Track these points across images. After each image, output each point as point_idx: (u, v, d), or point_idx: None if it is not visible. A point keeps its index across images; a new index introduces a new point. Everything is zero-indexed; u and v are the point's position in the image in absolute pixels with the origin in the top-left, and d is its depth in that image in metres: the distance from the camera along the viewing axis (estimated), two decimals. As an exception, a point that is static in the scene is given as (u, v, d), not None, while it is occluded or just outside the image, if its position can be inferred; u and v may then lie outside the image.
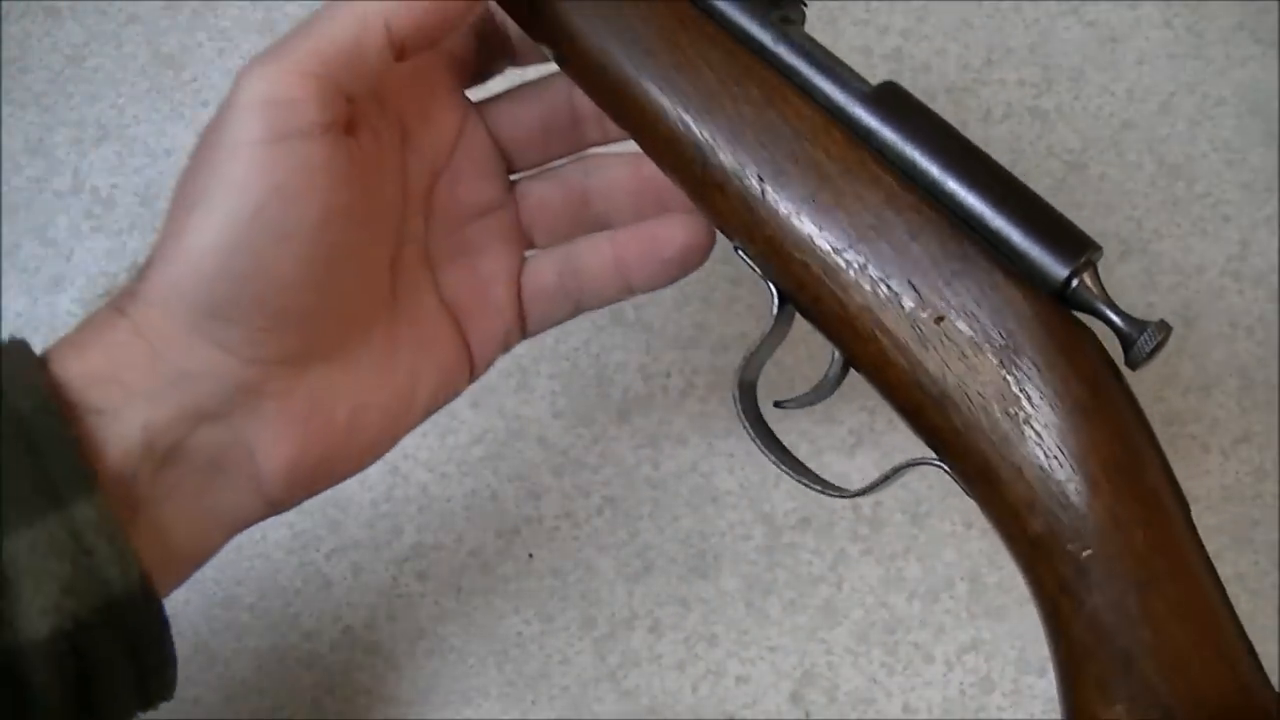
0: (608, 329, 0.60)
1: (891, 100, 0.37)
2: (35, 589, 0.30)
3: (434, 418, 0.59)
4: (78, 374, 0.33)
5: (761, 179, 0.37)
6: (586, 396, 0.58)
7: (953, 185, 0.35)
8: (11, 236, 0.63)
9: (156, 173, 0.64)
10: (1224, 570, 0.54)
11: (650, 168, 0.42)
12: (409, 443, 0.58)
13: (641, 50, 0.38)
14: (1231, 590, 0.54)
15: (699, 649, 0.54)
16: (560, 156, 0.45)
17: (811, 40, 0.39)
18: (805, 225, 0.36)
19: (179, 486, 0.35)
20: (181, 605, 0.55)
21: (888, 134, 0.36)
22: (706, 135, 0.37)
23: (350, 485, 0.58)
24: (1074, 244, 0.35)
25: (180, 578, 0.37)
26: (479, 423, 0.58)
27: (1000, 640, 0.53)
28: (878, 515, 0.56)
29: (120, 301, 0.35)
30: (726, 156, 0.37)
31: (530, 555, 0.56)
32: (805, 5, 0.40)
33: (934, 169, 0.35)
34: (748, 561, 0.55)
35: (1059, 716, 0.46)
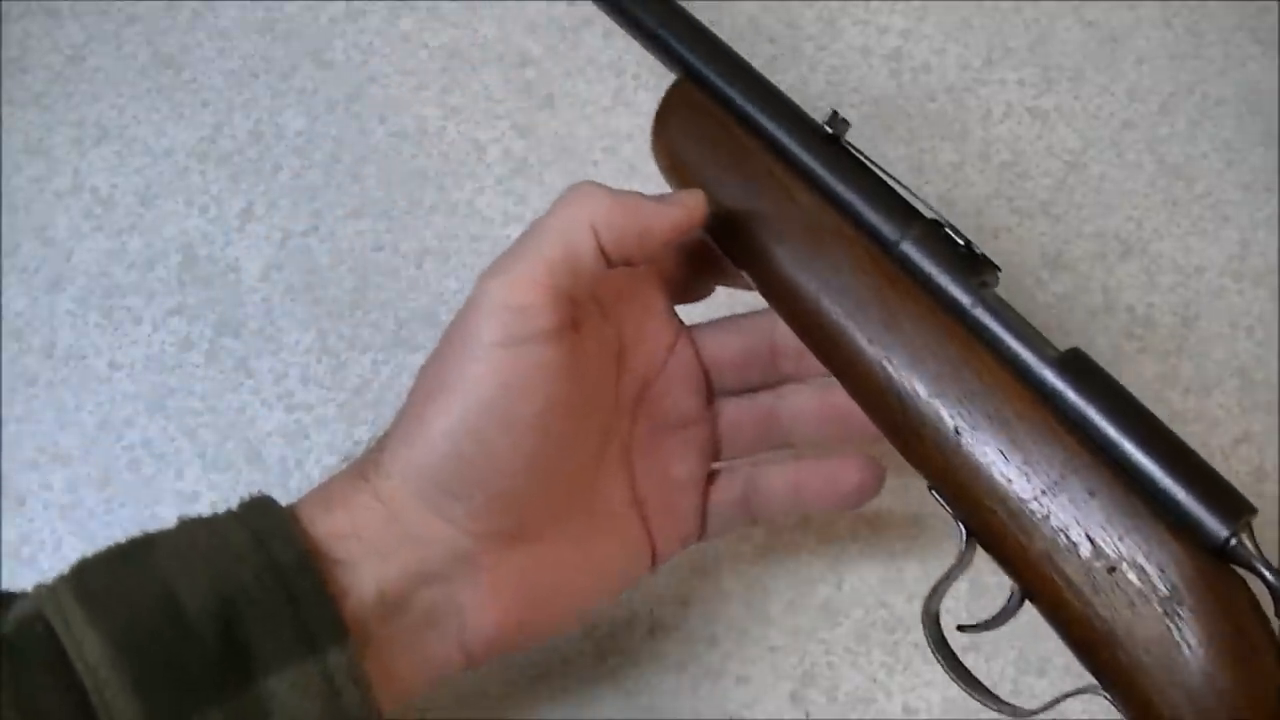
0: (608, 329, 0.60)
1: (1077, 366, 0.39)
2: None
3: (434, 418, 0.59)
4: (325, 531, 0.38)
5: (958, 431, 0.40)
6: (586, 396, 0.58)
7: (1128, 447, 0.38)
8: (11, 236, 0.63)
9: (156, 173, 0.64)
10: (1224, 570, 0.54)
11: (837, 397, 0.45)
12: (409, 443, 0.58)
13: (852, 302, 0.41)
14: (1231, 590, 0.54)
15: (699, 649, 0.54)
16: (757, 384, 0.49)
17: (1005, 304, 0.42)
18: (996, 476, 0.39)
19: (399, 636, 0.39)
20: (181, 605, 0.55)
21: (1072, 397, 0.39)
22: (908, 385, 0.40)
23: (350, 485, 0.58)
24: (1234, 505, 0.37)
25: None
26: (479, 423, 0.58)
27: (1000, 640, 0.52)
28: (878, 515, 0.56)
29: (364, 469, 0.40)
30: (926, 407, 0.40)
31: (530, 555, 0.56)
32: (999, 271, 0.43)
33: (1112, 431, 0.38)
34: (748, 561, 0.55)
35: (1059, 717, 0.46)
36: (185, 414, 0.59)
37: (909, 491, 0.56)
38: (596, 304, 0.43)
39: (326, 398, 0.59)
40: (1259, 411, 0.57)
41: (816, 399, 0.47)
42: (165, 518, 0.56)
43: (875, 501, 0.52)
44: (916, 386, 0.40)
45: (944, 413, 0.40)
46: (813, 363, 0.45)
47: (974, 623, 0.44)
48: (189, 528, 0.38)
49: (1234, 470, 0.56)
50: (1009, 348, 0.40)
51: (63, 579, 0.36)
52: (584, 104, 0.65)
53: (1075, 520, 0.37)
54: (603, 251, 0.40)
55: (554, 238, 0.39)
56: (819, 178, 0.43)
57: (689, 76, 0.46)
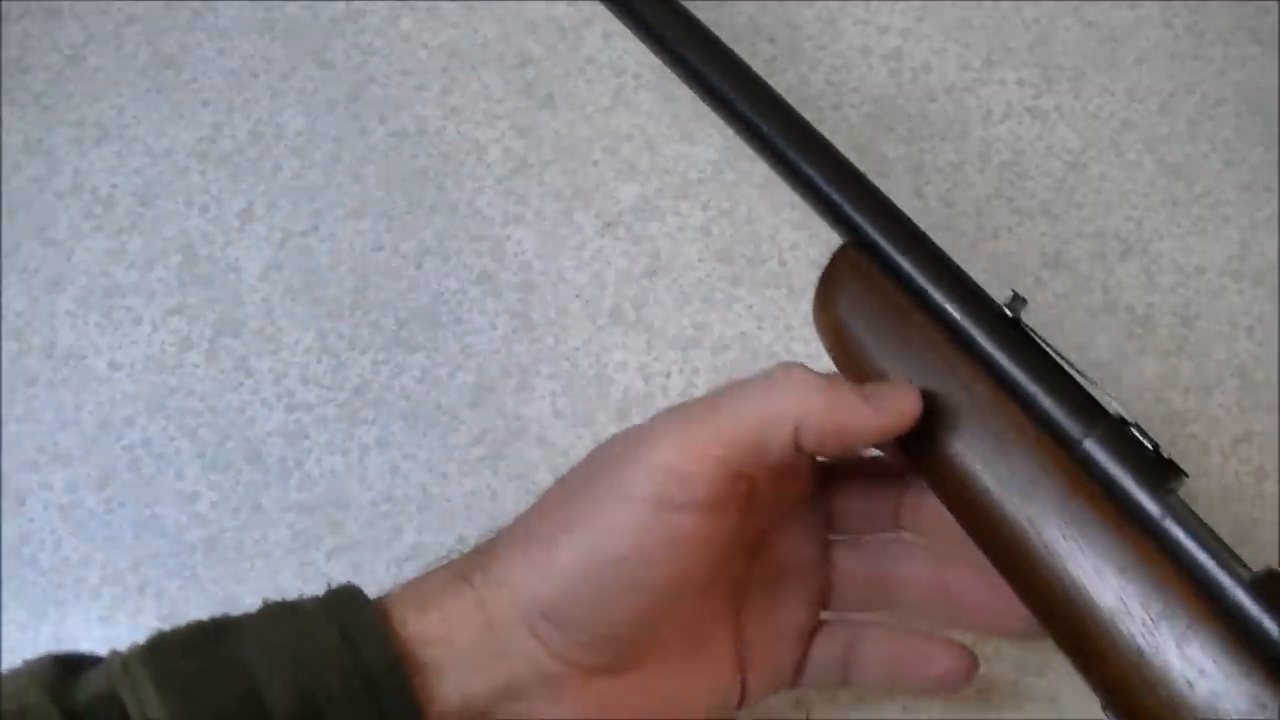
0: (607, 329, 0.60)
1: (1271, 587, 0.36)
2: None
3: (434, 417, 0.59)
4: (416, 632, 0.37)
5: (1140, 652, 0.36)
6: (586, 396, 0.58)
7: None
8: (11, 236, 0.63)
9: (156, 173, 0.64)
10: (1224, 570, 0.54)
11: (949, 573, 0.43)
12: (409, 442, 0.58)
13: (1033, 507, 0.38)
14: (1231, 590, 0.54)
15: (699, 649, 0.54)
16: (874, 532, 0.46)
17: (1194, 514, 0.38)
18: (1179, 700, 0.36)
19: None
20: (182, 604, 0.55)
21: (1267, 623, 0.36)
22: (1091, 598, 0.37)
23: (350, 485, 0.58)
24: None
25: None
26: (479, 423, 0.58)
27: (1000, 640, 0.52)
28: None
29: (469, 572, 0.39)
30: (1110, 623, 0.37)
31: (530, 555, 0.56)
32: (1186, 476, 0.39)
33: None
34: (748, 561, 0.55)
35: (1059, 716, 0.46)
36: (185, 414, 0.59)
37: (909, 491, 0.56)
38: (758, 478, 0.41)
39: (326, 398, 0.59)
40: (1259, 411, 0.57)
41: (930, 570, 0.45)
42: (165, 518, 0.57)
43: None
44: (1100, 601, 0.37)
45: (1131, 631, 0.36)
46: (929, 516, 0.43)
47: None
48: (275, 617, 0.37)
49: (1234, 470, 0.56)
50: (1200, 564, 0.36)
51: (139, 656, 0.35)
52: (584, 104, 0.65)
53: None
54: (797, 445, 0.37)
55: (750, 421, 0.37)
56: (998, 366, 0.39)
57: (858, 242, 0.42)
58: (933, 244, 0.42)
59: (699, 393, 0.58)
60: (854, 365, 0.42)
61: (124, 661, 0.35)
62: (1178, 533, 0.37)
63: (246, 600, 0.55)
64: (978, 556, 0.40)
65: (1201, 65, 0.65)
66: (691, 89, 0.47)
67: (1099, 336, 0.59)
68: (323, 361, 0.60)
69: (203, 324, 0.61)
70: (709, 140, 0.64)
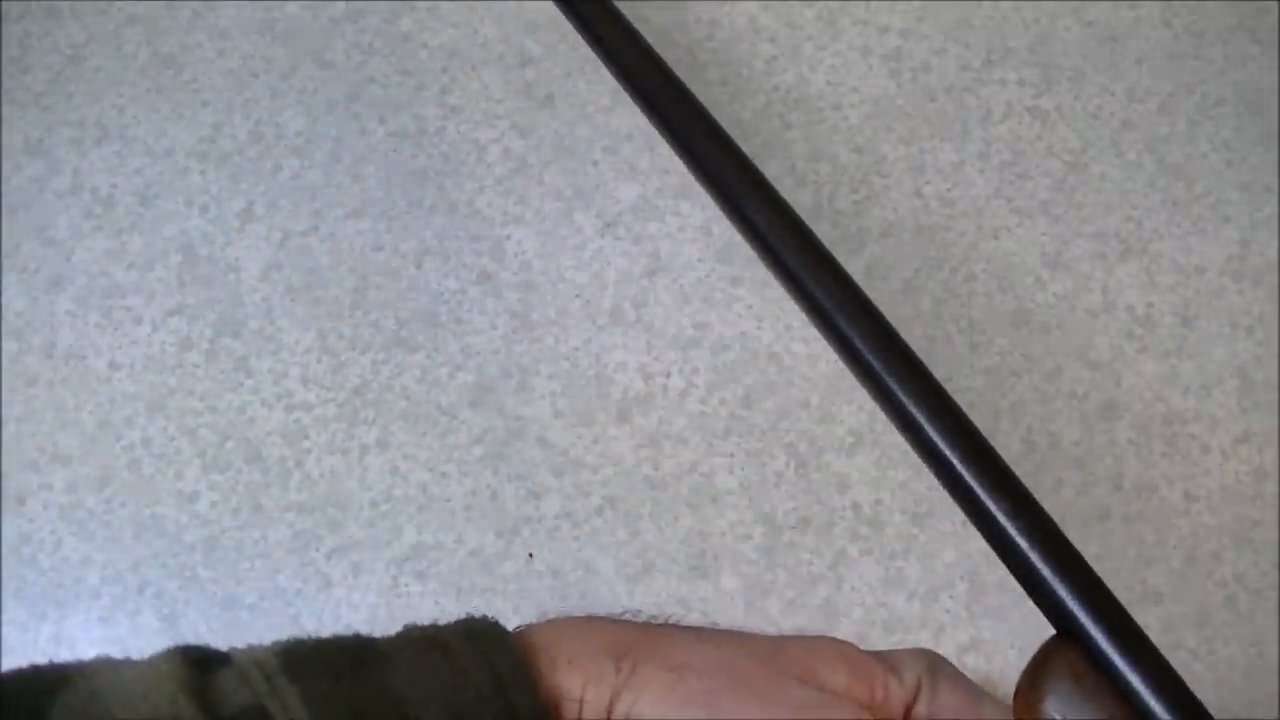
0: (607, 329, 0.60)
1: None
2: None
3: (434, 417, 0.59)
4: (560, 686, 0.37)
5: None
6: (586, 396, 0.58)
7: None
8: (11, 236, 0.63)
9: (156, 173, 0.64)
10: (1224, 570, 0.54)
11: None
12: (409, 442, 0.58)
13: None
14: (1231, 590, 0.54)
15: (699, 649, 0.54)
16: None
17: None
18: None
19: None
20: (182, 605, 0.55)
21: None
22: None
23: (350, 485, 0.58)
24: None
25: None
26: (479, 423, 0.58)
27: (1000, 640, 0.52)
28: (878, 515, 0.56)
29: (620, 657, 0.39)
30: None
31: (530, 555, 0.56)
32: None
33: None
34: (748, 561, 0.55)
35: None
36: (185, 414, 0.59)
37: (909, 491, 0.56)
38: None
39: (326, 398, 0.59)
40: (1259, 411, 0.57)
41: None
42: (165, 518, 0.57)
43: (876, 498, 0.52)
44: None
45: None
46: None
47: None
48: (423, 648, 0.37)
49: (1234, 470, 0.56)
50: None
51: (281, 668, 0.35)
52: (584, 104, 0.65)
53: None
54: None
55: None
56: None
57: (1073, 636, 0.38)
58: (1151, 645, 0.37)
59: (699, 393, 0.59)
60: None
61: (263, 671, 0.35)
62: None
63: (247, 600, 0.56)
64: None
65: (1201, 65, 0.65)
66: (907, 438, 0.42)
67: (1099, 336, 0.59)
68: (323, 361, 0.60)
69: (203, 324, 0.61)
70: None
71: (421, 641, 0.37)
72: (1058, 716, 0.37)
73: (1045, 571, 0.39)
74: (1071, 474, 0.55)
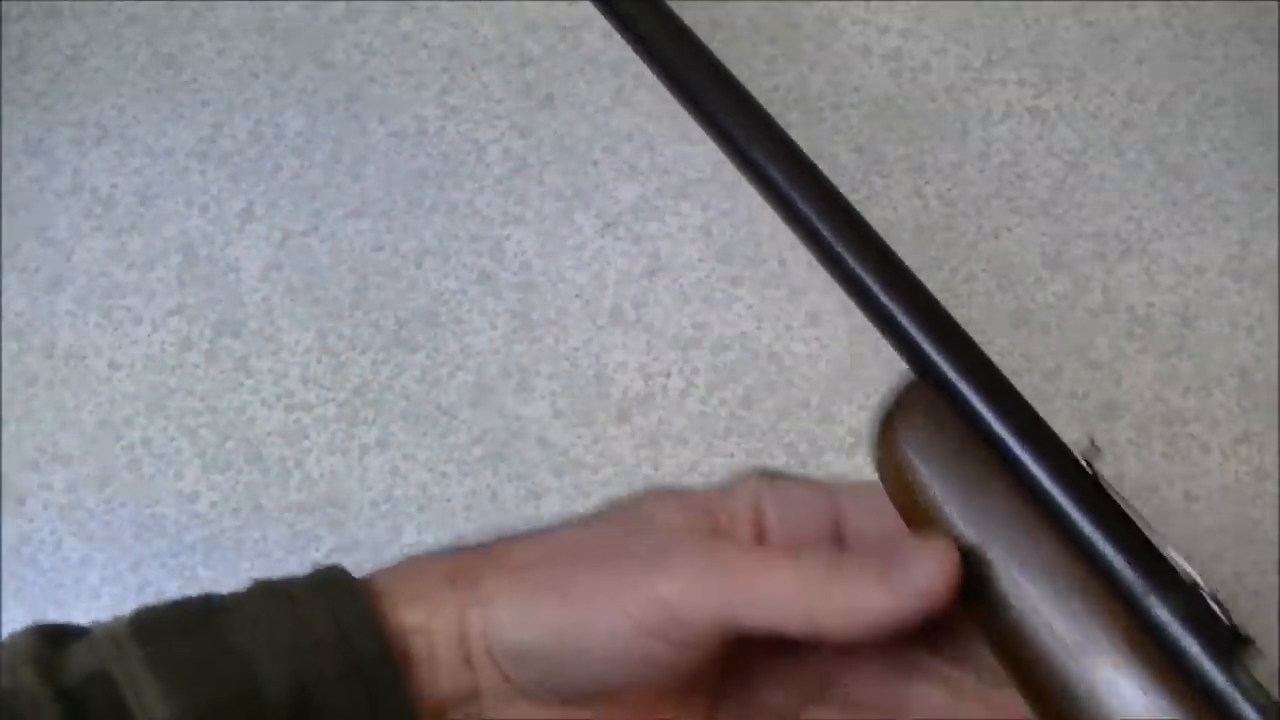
0: (607, 329, 0.60)
1: None
2: None
3: (434, 417, 0.59)
4: (405, 623, 0.36)
5: None
6: (586, 396, 0.58)
7: None
8: (11, 236, 0.63)
9: (156, 173, 0.64)
10: (1224, 570, 0.54)
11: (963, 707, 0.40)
12: (409, 442, 0.58)
13: (1099, 676, 0.36)
14: (1231, 590, 0.54)
15: (699, 649, 0.54)
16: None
17: (1261, 688, 0.35)
18: None
19: None
20: (181, 605, 0.55)
21: None
22: None
23: (350, 485, 0.58)
24: None
25: None
26: (479, 423, 0.58)
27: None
28: (878, 515, 0.56)
29: (456, 579, 0.38)
30: None
31: (530, 555, 0.56)
32: (1256, 646, 0.36)
33: None
34: (748, 561, 0.55)
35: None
36: (185, 414, 0.59)
37: (909, 491, 0.56)
38: None
39: (326, 398, 0.59)
40: (1259, 411, 0.57)
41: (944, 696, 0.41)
42: (165, 518, 0.57)
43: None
44: None
45: None
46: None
47: None
48: (265, 600, 0.36)
49: (1234, 470, 0.56)
50: None
51: (128, 634, 0.34)
52: (584, 104, 0.65)
53: None
54: (811, 632, 0.35)
55: (770, 595, 0.35)
56: (1071, 521, 0.37)
57: (929, 377, 0.39)
58: (1010, 385, 0.39)
59: (699, 393, 0.59)
60: (916, 511, 0.39)
61: (113, 638, 0.34)
62: (1248, 712, 0.34)
63: (246, 600, 0.56)
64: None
65: (1201, 65, 0.65)
66: (760, 193, 0.45)
67: (1099, 336, 0.59)
68: (323, 361, 0.60)
69: (203, 324, 0.61)
70: (709, 140, 0.64)
71: (267, 594, 0.36)
72: (911, 451, 0.38)
73: (896, 311, 0.40)
74: (1071, 474, 0.55)
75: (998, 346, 0.59)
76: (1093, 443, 0.37)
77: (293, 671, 0.34)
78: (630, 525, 0.38)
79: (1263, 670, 0.34)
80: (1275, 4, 0.66)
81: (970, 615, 0.38)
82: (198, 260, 0.62)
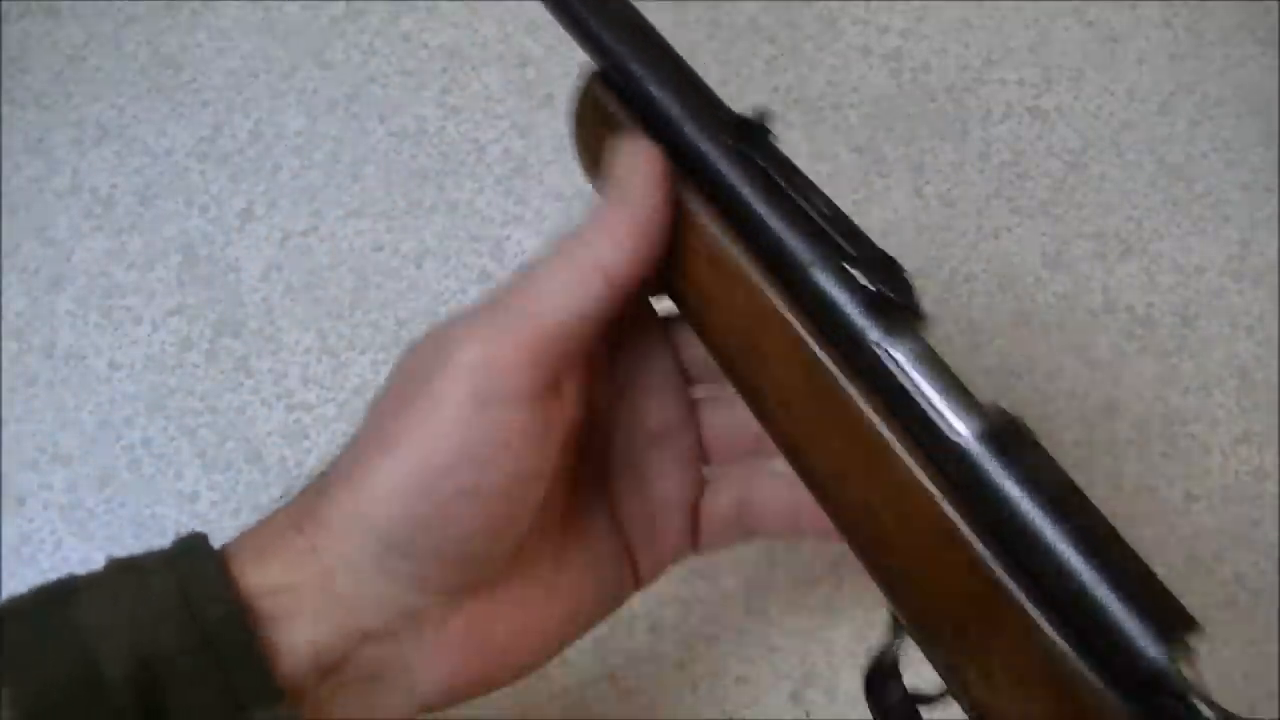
0: (608, 329, 0.60)
1: (1003, 439, 0.32)
2: None
3: (434, 418, 0.59)
4: (256, 583, 0.34)
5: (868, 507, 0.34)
6: (586, 396, 0.58)
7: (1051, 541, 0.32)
8: (11, 236, 0.63)
9: (156, 173, 0.64)
10: (1224, 570, 0.54)
11: None
12: (409, 443, 0.58)
13: (767, 347, 0.36)
14: (1231, 590, 0.54)
15: (699, 649, 0.54)
16: None
17: (923, 347, 0.34)
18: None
19: (341, 694, 0.35)
20: (181, 605, 0.55)
21: (994, 475, 0.32)
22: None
23: (350, 485, 0.58)
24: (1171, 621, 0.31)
25: None
26: (479, 423, 0.58)
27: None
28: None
29: (299, 518, 0.36)
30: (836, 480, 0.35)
31: (530, 555, 0.56)
32: (918, 314, 0.35)
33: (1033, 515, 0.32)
34: (748, 561, 0.55)
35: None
36: (185, 414, 0.59)
37: (909, 491, 0.56)
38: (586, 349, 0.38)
39: (326, 398, 0.59)
40: (1259, 411, 0.57)
41: None
42: (165, 518, 0.56)
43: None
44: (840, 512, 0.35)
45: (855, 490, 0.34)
46: None
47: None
48: (115, 575, 0.34)
49: (1234, 470, 0.56)
50: (922, 408, 0.33)
51: None
52: (584, 104, 0.65)
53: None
54: (613, 294, 0.35)
55: (557, 294, 0.35)
56: (725, 184, 0.36)
57: (606, 63, 0.40)
58: (685, 72, 0.39)
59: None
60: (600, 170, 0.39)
61: None
62: (905, 370, 0.33)
63: (246, 600, 0.56)
64: None
65: (1201, 65, 0.65)
66: None
67: (1099, 336, 0.59)
68: (323, 361, 0.60)
69: (203, 324, 0.61)
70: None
71: (120, 569, 0.34)
72: (590, 127, 0.39)
73: (581, 11, 0.40)
74: (1071, 474, 0.55)
75: (997, 346, 0.59)
76: (762, 113, 0.37)
77: (134, 644, 0.32)
78: (411, 353, 0.37)
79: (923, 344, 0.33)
80: (1275, 4, 0.66)
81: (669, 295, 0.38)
82: (198, 260, 0.62)
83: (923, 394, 0.33)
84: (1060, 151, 0.63)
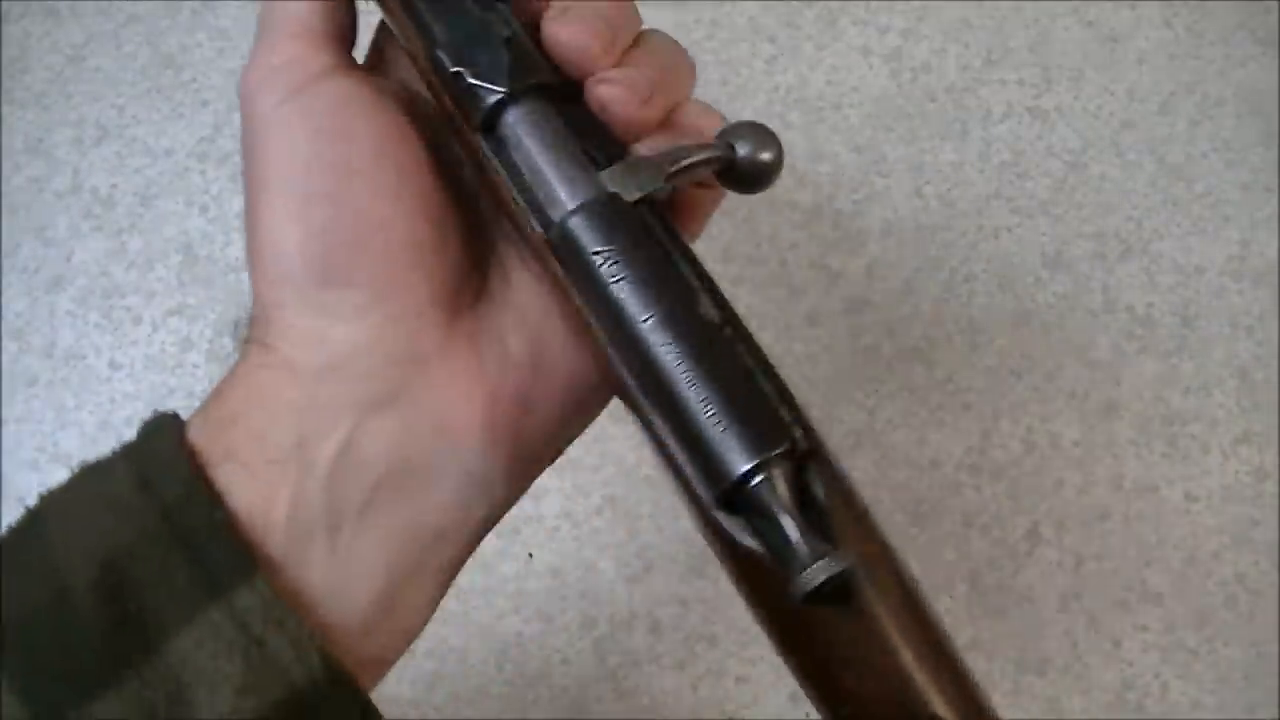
0: (608, 329, 0.60)
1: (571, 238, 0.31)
2: (210, 692, 0.27)
3: (434, 418, 0.59)
4: (218, 445, 0.31)
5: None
6: (586, 396, 0.58)
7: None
8: (11, 236, 0.63)
9: (156, 173, 0.64)
10: (1224, 570, 0.54)
11: None
12: (409, 443, 0.58)
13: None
14: (1231, 590, 0.54)
15: (699, 649, 0.54)
16: None
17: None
18: None
19: (371, 517, 0.31)
20: (181, 605, 0.55)
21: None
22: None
23: (350, 485, 0.58)
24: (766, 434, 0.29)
25: (391, 650, 0.32)
26: (479, 423, 0.58)
27: (1000, 640, 0.52)
28: (877, 514, 0.56)
29: (249, 349, 0.32)
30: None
31: (530, 555, 0.56)
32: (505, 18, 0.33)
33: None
34: (748, 561, 0.55)
35: (1058, 716, 0.46)
36: (185, 414, 0.59)
37: (909, 491, 0.56)
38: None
39: (326, 398, 0.59)
40: (1259, 411, 0.57)
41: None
42: (165, 518, 0.57)
43: (875, 496, 0.52)
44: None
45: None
46: None
47: None
48: (79, 480, 0.31)
49: (1234, 470, 0.56)
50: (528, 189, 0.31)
51: None
52: (584, 104, 0.65)
53: None
54: None
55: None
56: None
57: None
58: None
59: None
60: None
61: None
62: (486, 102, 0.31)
63: (246, 600, 0.56)
64: None
65: (1201, 65, 0.65)
66: None
67: (1099, 336, 0.59)
68: (323, 361, 0.60)
69: (203, 324, 0.61)
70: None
71: (80, 473, 0.31)
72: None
73: None
74: (1071, 474, 0.55)
75: (997, 346, 0.59)
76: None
77: (95, 547, 0.29)
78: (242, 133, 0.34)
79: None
80: (1275, 4, 0.66)
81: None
82: (198, 260, 0.62)
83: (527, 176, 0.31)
84: (1060, 151, 0.63)
